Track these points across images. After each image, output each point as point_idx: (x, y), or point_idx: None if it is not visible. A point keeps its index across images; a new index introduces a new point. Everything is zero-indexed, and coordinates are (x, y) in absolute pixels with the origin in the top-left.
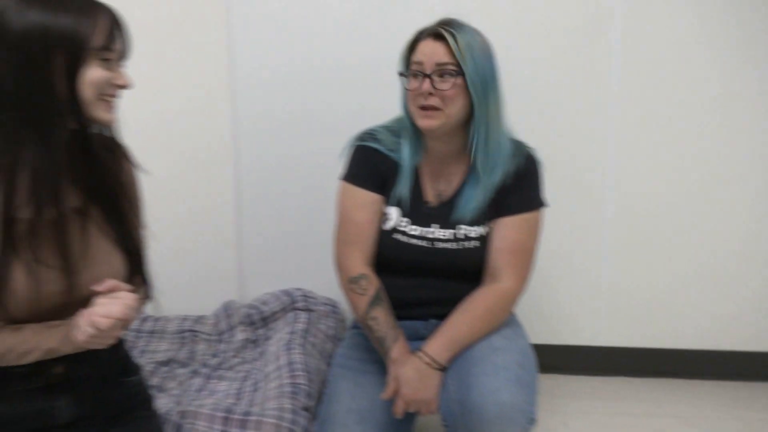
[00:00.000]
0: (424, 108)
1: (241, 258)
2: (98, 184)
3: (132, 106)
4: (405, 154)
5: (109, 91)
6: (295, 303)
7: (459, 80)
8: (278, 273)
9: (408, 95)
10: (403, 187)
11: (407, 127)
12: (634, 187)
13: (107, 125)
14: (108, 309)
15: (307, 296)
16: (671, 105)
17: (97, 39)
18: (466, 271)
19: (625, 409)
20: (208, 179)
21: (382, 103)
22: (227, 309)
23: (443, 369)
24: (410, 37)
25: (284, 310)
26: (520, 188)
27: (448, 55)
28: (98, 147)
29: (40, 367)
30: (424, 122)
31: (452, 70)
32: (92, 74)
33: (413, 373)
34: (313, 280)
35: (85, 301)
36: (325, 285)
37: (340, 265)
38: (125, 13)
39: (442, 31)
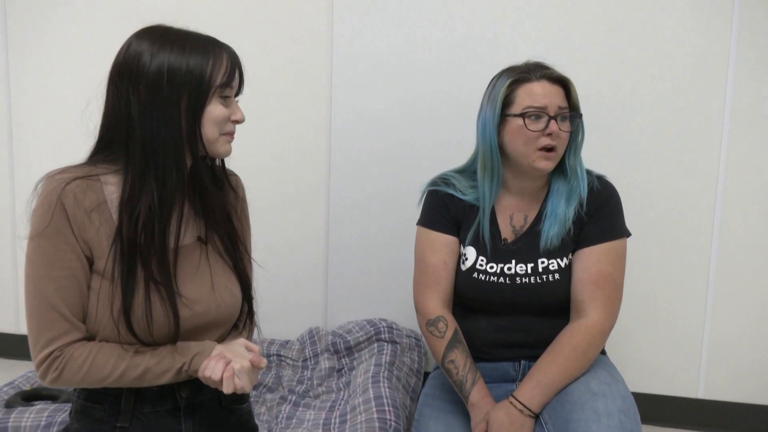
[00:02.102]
0: (545, 149)
1: (327, 285)
2: (217, 214)
3: (239, 140)
4: (485, 193)
5: (228, 128)
6: (379, 334)
7: (575, 124)
8: (362, 302)
9: (522, 135)
10: (483, 226)
11: (492, 166)
12: (743, 233)
13: (227, 156)
14: (242, 384)
15: (391, 327)
16: None
17: (219, 77)
18: (549, 305)
19: None
20: (303, 211)
21: (470, 140)
22: (312, 335)
23: (536, 416)
24: (505, 77)
25: (369, 340)
26: (599, 217)
27: (565, 100)
28: (215, 178)
29: (169, 390)
30: (545, 164)
31: (572, 114)
32: (214, 111)
33: (505, 418)
34: (396, 312)
35: (210, 325)
36: (408, 317)
37: (418, 308)
38: (240, 56)
39: (561, 76)
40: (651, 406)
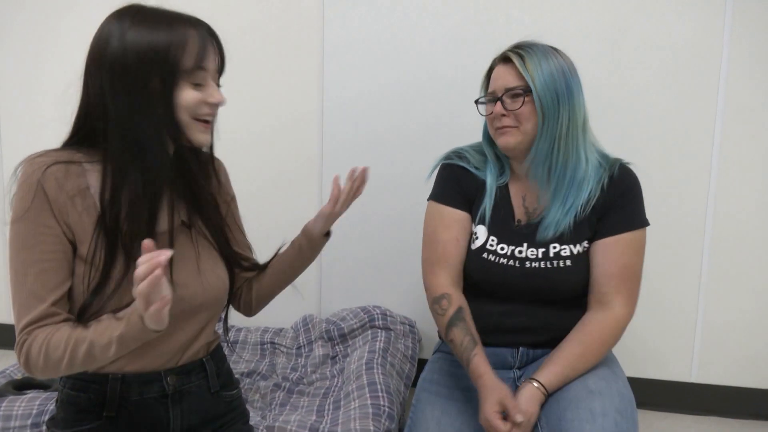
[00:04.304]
0: (499, 128)
1: (321, 273)
2: (199, 199)
3: (230, 125)
4: (488, 177)
5: (203, 111)
6: (373, 321)
7: (528, 98)
8: (356, 290)
9: (487, 121)
10: (487, 207)
11: (488, 151)
12: (736, 218)
13: (203, 146)
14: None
15: (385, 314)
16: None
17: (188, 61)
18: (557, 292)
19: None
20: (295, 196)
21: (464, 123)
22: (306, 323)
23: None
24: (488, 66)
25: (363, 327)
26: (621, 206)
27: (518, 78)
28: (198, 163)
29: (156, 377)
30: (501, 140)
31: (520, 90)
32: (184, 96)
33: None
34: (390, 298)
35: (198, 309)
36: (401, 304)
37: (426, 285)
38: (231, 39)
39: (510, 54)
40: (644, 390)
